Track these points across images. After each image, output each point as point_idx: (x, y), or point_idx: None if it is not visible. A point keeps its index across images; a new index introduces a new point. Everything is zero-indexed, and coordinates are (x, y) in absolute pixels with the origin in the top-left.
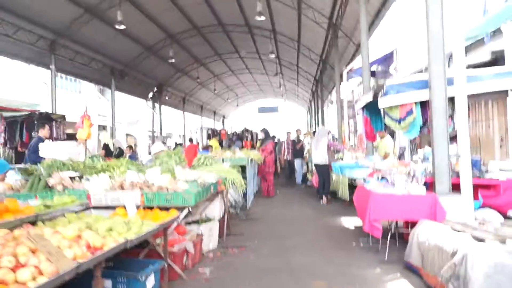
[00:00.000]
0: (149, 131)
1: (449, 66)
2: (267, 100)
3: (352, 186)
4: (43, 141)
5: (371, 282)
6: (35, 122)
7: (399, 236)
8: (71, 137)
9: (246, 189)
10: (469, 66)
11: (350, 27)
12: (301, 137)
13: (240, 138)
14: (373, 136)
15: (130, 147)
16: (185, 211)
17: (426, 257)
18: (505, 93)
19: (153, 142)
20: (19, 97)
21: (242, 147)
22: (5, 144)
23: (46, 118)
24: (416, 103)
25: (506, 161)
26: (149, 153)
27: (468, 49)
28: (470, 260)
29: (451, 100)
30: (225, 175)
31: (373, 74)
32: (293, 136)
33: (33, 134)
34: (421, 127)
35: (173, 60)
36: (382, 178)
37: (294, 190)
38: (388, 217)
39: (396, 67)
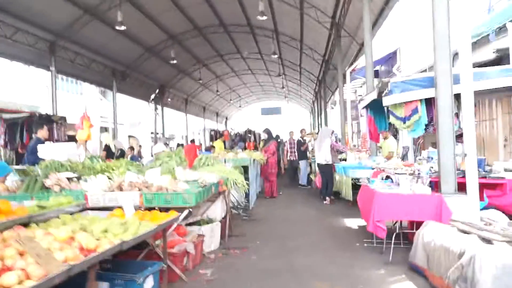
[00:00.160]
0: (151, 133)
1: (453, 65)
2: (270, 102)
3: (355, 186)
4: (41, 142)
5: (375, 283)
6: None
7: (403, 236)
8: (72, 139)
9: (248, 190)
10: (473, 65)
11: (353, 26)
12: (305, 138)
13: (243, 139)
14: (377, 136)
15: (131, 148)
16: (185, 212)
17: (431, 258)
18: (510, 91)
19: (156, 144)
20: (20, 99)
21: (244, 148)
22: (5, 146)
23: (47, 120)
24: (421, 101)
25: (510, 161)
26: (152, 155)
27: (472, 47)
28: (478, 261)
29: (456, 98)
30: (227, 175)
31: (376, 74)
32: (297, 136)
33: (33, 135)
34: (426, 126)
35: (174, 61)
36: (387, 178)
37: (298, 190)
38: (392, 217)
39: (400, 67)
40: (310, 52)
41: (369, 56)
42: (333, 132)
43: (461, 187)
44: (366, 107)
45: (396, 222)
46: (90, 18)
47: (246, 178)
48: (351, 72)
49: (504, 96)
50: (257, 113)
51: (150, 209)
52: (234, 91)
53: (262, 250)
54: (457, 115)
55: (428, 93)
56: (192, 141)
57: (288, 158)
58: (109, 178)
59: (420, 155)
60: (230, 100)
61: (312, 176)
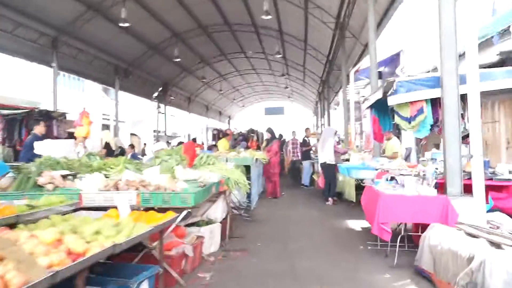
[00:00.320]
0: (154, 131)
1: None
2: (273, 101)
3: (358, 187)
4: (38, 138)
5: None
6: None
7: (408, 239)
8: (72, 136)
9: (250, 190)
10: None
11: (358, 27)
12: (309, 138)
13: (246, 139)
14: (381, 136)
15: (132, 146)
16: (184, 213)
17: (438, 262)
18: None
19: (157, 142)
20: (21, 95)
21: (247, 147)
22: (3, 143)
23: (46, 116)
24: (426, 101)
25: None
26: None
27: None
28: (488, 267)
29: (462, 98)
30: (228, 175)
31: (379, 75)
32: (300, 136)
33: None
34: (431, 126)
35: (178, 60)
36: (391, 179)
37: (300, 191)
38: (397, 219)
39: (403, 68)
40: (314, 52)
41: (373, 56)
42: (336, 132)
43: (466, 189)
44: (371, 107)
45: (400, 224)
46: (93, 14)
47: (248, 178)
48: (354, 73)
49: (507, 98)
50: (260, 112)
51: (148, 209)
52: (237, 90)
53: (263, 252)
54: (462, 116)
55: (434, 93)
56: (194, 140)
57: (291, 158)
58: (107, 177)
59: (423, 156)
60: (234, 99)
61: (314, 177)
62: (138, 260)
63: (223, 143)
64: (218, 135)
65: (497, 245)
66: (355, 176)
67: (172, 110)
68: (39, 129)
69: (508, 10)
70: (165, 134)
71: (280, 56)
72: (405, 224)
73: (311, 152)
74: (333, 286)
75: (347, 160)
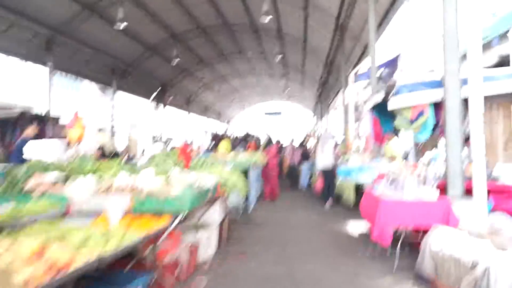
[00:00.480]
0: (152, 134)
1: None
2: (272, 102)
3: (358, 189)
4: (28, 140)
5: None
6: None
7: (408, 243)
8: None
9: (248, 193)
10: None
11: (358, 28)
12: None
13: (244, 140)
14: (382, 138)
15: (127, 148)
16: (179, 218)
17: (440, 267)
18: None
19: (154, 144)
20: (15, 95)
21: (245, 149)
22: None
23: (39, 119)
24: (429, 103)
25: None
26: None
27: None
28: (493, 273)
29: (463, 100)
30: (226, 177)
31: (379, 77)
32: (298, 142)
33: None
34: (433, 129)
35: (177, 60)
36: (391, 182)
37: (298, 193)
38: (398, 224)
39: (402, 71)
40: (314, 54)
41: (373, 57)
42: (333, 137)
43: (467, 191)
44: (371, 108)
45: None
46: (90, 14)
47: (246, 180)
48: (354, 75)
49: (506, 100)
50: (260, 114)
51: (142, 214)
52: (237, 91)
53: (261, 256)
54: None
55: (436, 94)
56: (191, 143)
57: (289, 162)
58: (99, 180)
59: (422, 156)
60: (233, 100)
61: (313, 179)
62: (131, 267)
63: (225, 145)
64: (216, 138)
65: (502, 249)
66: (355, 178)
67: (171, 112)
68: (30, 131)
69: (508, 13)
70: (163, 136)
71: (280, 57)
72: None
73: (310, 155)
74: None
75: (346, 160)
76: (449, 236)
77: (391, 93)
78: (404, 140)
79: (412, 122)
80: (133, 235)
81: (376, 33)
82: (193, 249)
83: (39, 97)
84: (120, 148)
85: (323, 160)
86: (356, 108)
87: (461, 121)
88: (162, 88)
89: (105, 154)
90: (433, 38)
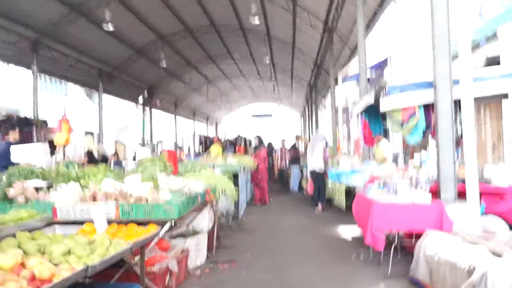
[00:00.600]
0: (140, 138)
1: None
2: (261, 105)
3: (349, 193)
4: (11, 145)
5: None
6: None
7: (401, 247)
8: (53, 143)
9: (238, 197)
10: None
11: (346, 31)
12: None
13: (233, 144)
14: (372, 140)
15: (115, 153)
16: (167, 226)
17: (435, 272)
18: (499, 96)
19: (141, 148)
20: (1, 99)
21: (234, 152)
22: None
23: (25, 123)
24: (419, 105)
25: (500, 165)
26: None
27: None
28: (490, 278)
29: (454, 102)
30: (215, 183)
31: (367, 80)
32: (289, 144)
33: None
34: (424, 131)
35: (164, 63)
36: (383, 185)
37: (289, 197)
38: (391, 228)
39: (391, 73)
40: (302, 56)
41: (362, 59)
42: (324, 138)
43: (459, 194)
44: (361, 111)
45: (394, 233)
46: (76, 16)
47: (236, 184)
48: (342, 78)
49: (493, 101)
50: (248, 116)
51: (129, 221)
52: (224, 94)
53: (252, 264)
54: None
55: (427, 95)
56: (181, 148)
57: (279, 166)
58: (85, 187)
59: (412, 159)
60: (221, 103)
61: (303, 183)
62: (118, 277)
63: (217, 149)
64: (206, 141)
65: (498, 255)
66: (345, 182)
67: (158, 116)
68: (14, 136)
69: (496, 15)
70: (151, 140)
71: (268, 59)
72: (398, 232)
73: (300, 158)
74: None
75: (337, 163)
76: (444, 240)
77: (382, 94)
78: (393, 143)
79: (403, 124)
80: (120, 244)
81: (365, 34)
82: (183, 257)
83: (25, 100)
84: (108, 152)
85: (313, 163)
86: (345, 111)
87: (453, 123)
88: (149, 91)
89: (94, 159)
90: (421, 39)
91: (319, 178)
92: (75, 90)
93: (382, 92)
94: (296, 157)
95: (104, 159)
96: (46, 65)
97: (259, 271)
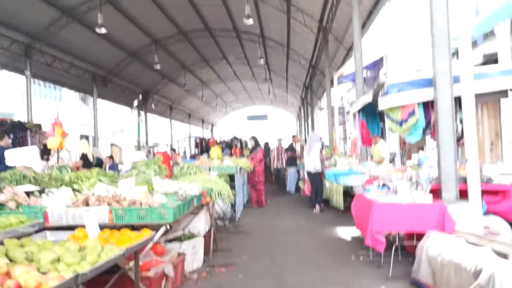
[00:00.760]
0: (135, 140)
1: None
2: (256, 107)
3: (347, 193)
4: (4, 149)
5: None
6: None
7: (401, 248)
8: (47, 147)
9: (234, 200)
10: None
11: (341, 31)
12: (296, 143)
13: (229, 146)
14: (369, 140)
15: (110, 157)
16: (162, 230)
17: (439, 274)
18: (497, 95)
19: (136, 151)
20: None
21: (231, 154)
22: None
23: (19, 128)
24: (418, 103)
25: (499, 164)
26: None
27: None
28: (498, 280)
29: (454, 100)
30: (211, 185)
31: (363, 79)
32: (286, 144)
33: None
34: (423, 130)
35: (158, 67)
36: (383, 185)
37: (286, 198)
38: (392, 228)
39: (386, 72)
40: (297, 57)
41: (358, 59)
42: (320, 139)
43: (460, 193)
44: (358, 111)
45: (394, 234)
46: (68, 20)
47: (232, 187)
48: (338, 78)
49: (490, 100)
50: (243, 118)
51: (122, 226)
52: (219, 97)
53: (250, 267)
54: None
55: (427, 93)
56: (173, 150)
57: (275, 166)
58: (78, 191)
59: (410, 160)
60: (216, 106)
61: (300, 184)
62: (113, 283)
63: (216, 151)
64: (201, 143)
65: (504, 256)
66: (343, 183)
67: (153, 119)
68: (5, 141)
69: (492, 12)
70: (146, 143)
71: (263, 61)
72: (398, 233)
73: (297, 158)
74: None
75: (334, 165)
76: (447, 241)
77: (380, 94)
78: (390, 142)
79: (402, 123)
80: (112, 250)
81: (361, 34)
82: (179, 262)
83: (18, 106)
84: (103, 155)
85: (309, 163)
86: (341, 111)
87: (453, 121)
88: (144, 95)
89: (88, 163)
90: (417, 37)
91: (316, 179)
92: (69, 95)
93: (380, 91)
94: (293, 158)
95: (99, 163)
96: (40, 70)
97: (257, 275)
